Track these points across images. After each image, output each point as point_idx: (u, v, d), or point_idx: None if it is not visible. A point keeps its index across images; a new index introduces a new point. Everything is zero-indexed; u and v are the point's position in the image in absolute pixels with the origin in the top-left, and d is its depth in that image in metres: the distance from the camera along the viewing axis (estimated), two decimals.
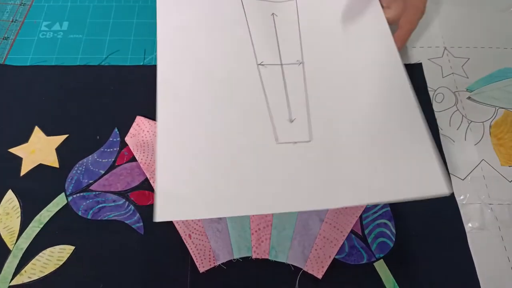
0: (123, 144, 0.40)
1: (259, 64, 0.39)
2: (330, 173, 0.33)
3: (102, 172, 0.39)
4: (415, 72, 0.45)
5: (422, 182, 0.32)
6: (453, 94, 0.44)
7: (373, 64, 0.38)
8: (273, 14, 0.43)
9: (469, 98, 0.44)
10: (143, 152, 0.39)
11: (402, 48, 0.45)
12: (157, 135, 0.33)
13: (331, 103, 0.37)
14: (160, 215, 0.29)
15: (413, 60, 0.46)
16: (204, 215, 0.33)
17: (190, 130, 0.34)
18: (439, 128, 0.42)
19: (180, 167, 0.32)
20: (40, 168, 0.39)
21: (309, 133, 0.35)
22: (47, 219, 0.36)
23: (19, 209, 0.37)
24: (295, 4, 0.44)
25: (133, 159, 0.39)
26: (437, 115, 0.43)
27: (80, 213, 0.37)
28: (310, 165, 0.33)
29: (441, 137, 0.41)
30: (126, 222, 0.36)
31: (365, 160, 0.33)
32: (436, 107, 0.43)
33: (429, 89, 0.44)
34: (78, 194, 0.38)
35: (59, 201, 0.37)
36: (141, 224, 0.36)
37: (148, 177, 0.38)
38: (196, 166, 0.32)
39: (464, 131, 0.42)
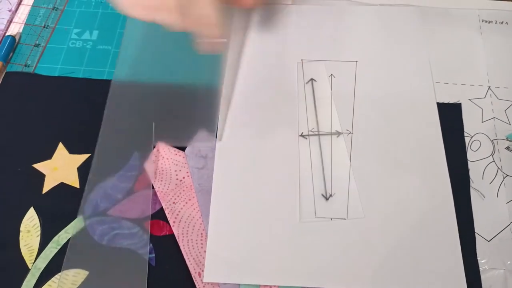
0: (142, 169, 0.40)
1: (300, 136, 0.41)
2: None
3: (120, 197, 0.39)
4: (452, 114, 0.42)
5: None
6: (491, 142, 0.41)
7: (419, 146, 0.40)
8: (331, 75, 0.44)
9: (508, 148, 0.41)
10: (161, 180, 0.39)
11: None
12: (211, 201, 0.38)
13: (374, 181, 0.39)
14: (208, 276, 0.35)
15: (453, 98, 0.43)
16: (246, 281, 0.36)
17: (238, 197, 0.39)
18: (471, 181, 0.39)
19: (228, 233, 0.37)
20: (61, 187, 0.40)
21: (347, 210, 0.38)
22: (65, 240, 0.37)
23: (39, 228, 0.38)
24: (354, 65, 0.44)
25: (151, 186, 0.39)
26: (470, 165, 0.40)
27: (95, 238, 0.38)
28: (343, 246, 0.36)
29: (472, 191, 0.39)
30: (138, 252, 0.37)
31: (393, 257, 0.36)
32: (470, 156, 0.40)
33: (465, 134, 0.41)
34: (95, 218, 0.38)
35: (77, 224, 0.38)
36: (153, 255, 0.37)
37: (164, 207, 0.38)
38: (241, 233, 0.37)
39: (497, 186, 0.39)
